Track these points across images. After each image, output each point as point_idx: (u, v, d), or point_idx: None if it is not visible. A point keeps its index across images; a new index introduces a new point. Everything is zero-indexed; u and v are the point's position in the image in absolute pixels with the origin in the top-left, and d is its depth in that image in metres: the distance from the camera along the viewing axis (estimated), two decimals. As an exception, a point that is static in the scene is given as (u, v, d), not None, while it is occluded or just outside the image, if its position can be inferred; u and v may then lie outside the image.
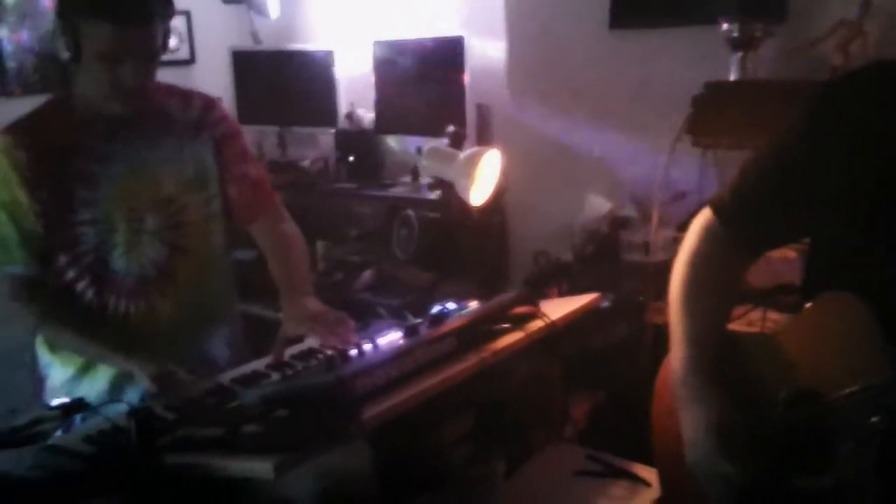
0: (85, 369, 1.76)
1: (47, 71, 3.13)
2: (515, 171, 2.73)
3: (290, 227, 1.95)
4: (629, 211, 2.74)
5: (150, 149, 1.74)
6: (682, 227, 1.76)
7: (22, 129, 1.67)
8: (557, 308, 1.68)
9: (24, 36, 3.08)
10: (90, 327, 1.71)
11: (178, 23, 3.62)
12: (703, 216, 1.34)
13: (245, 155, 1.91)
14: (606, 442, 1.76)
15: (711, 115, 2.28)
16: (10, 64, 3.04)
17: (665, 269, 1.42)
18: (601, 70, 2.84)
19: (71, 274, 1.71)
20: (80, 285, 1.72)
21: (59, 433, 1.32)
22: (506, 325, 1.56)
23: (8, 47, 3.04)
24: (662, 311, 1.77)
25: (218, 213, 1.86)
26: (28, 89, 3.05)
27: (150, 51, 1.62)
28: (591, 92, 2.86)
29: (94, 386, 1.75)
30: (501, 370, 1.54)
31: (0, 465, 1.10)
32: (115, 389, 1.74)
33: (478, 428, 1.54)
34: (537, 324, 1.58)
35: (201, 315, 1.85)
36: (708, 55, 2.45)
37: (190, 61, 3.70)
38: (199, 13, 3.69)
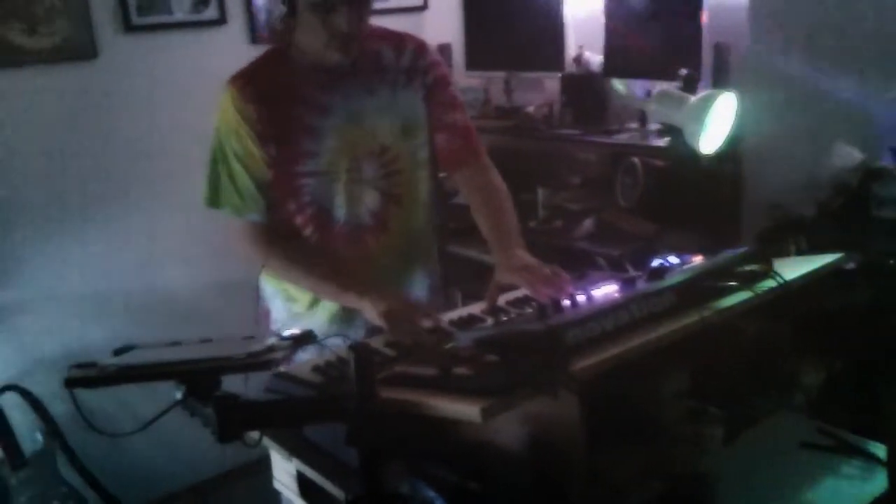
0: (311, 305, 1.87)
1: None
2: (753, 117, 2.54)
3: (496, 179, 1.94)
4: (885, 162, 2.47)
5: (366, 98, 1.77)
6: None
7: (248, 81, 1.73)
8: (793, 267, 1.54)
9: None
10: (316, 270, 1.80)
11: (411, -31, 3.69)
12: None
13: (454, 102, 1.91)
14: (839, 415, 1.62)
15: None
16: (261, 15, 3.26)
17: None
18: (855, 4, 2.54)
19: (297, 221, 1.81)
20: (305, 232, 1.82)
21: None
22: (732, 283, 1.46)
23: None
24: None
25: (427, 161, 1.88)
26: (274, 36, 3.25)
27: None
28: (842, 30, 2.58)
29: (316, 320, 1.86)
30: (725, 330, 1.45)
31: (234, 386, 1.20)
32: (337, 325, 1.84)
33: (695, 388, 1.47)
34: (768, 283, 1.47)
35: (408, 260, 1.90)
36: None
37: (423, 7, 3.77)
38: (431, -42, 3.74)
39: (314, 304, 1.86)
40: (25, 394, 2.67)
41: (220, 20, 3.17)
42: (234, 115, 1.72)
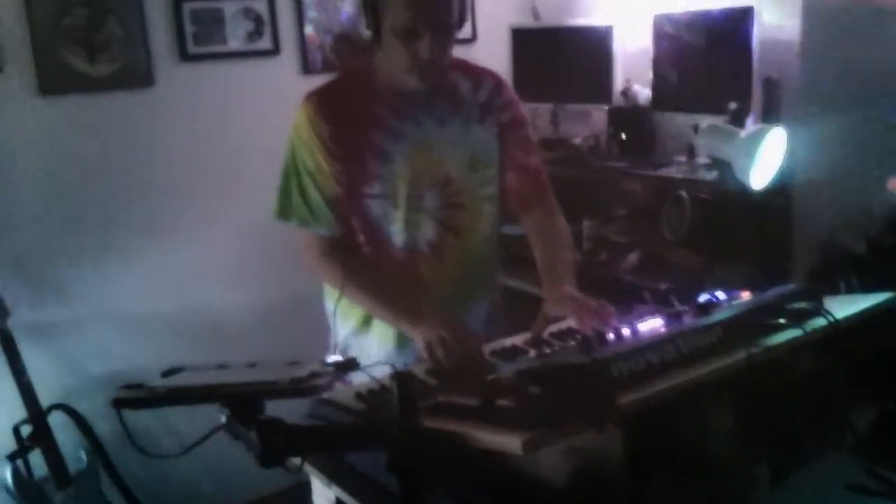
0: (364, 324, 1.88)
1: (342, 51, 3.38)
2: (804, 152, 2.51)
3: (561, 221, 1.95)
4: (941, 200, 2.42)
5: (437, 128, 1.79)
6: None
7: (325, 99, 1.77)
8: (844, 305, 1.51)
9: (326, 24, 3.34)
10: (375, 289, 1.81)
11: (461, 1, 3.73)
12: None
13: (528, 144, 1.92)
14: (889, 457, 1.57)
15: None
16: (313, 42, 3.32)
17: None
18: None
19: (358, 241, 1.83)
20: (364, 252, 1.83)
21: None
22: (781, 321, 1.44)
23: (312, 32, 3.32)
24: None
25: (493, 198, 1.89)
26: (326, 66, 3.32)
27: (446, 25, 1.65)
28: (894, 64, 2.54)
29: (372, 340, 1.87)
30: (773, 368, 1.42)
31: (278, 411, 1.21)
32: (399, 345, 1.84)
33: (742, 426, 1.44)
34: (818, 322, 1.44)
35: (463, 290, 1.90)
36: None
37: (471, 39, 3.81)
38: (481, -9, 3.78)
39: (366, 323, 1.88)
40: (72, 413, 2.71)
41: (274, 51, 3.24)
42: (307, 130, 1.75)
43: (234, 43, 3.16)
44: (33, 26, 2.75)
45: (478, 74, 1.87)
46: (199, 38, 3.08)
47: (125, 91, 2.95)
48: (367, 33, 1.71)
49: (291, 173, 1.80)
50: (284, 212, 1.83)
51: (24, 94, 2.78)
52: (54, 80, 2.81)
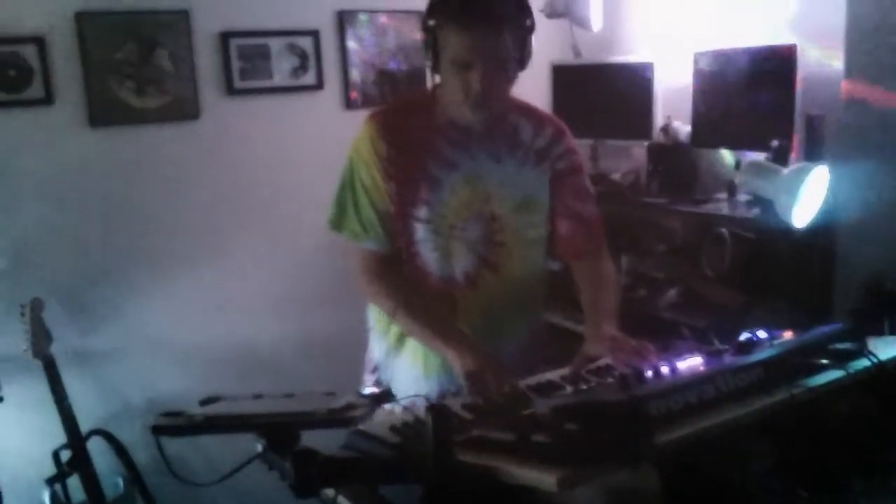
0: (397, 343, 1.89)
1: (384, 84, 3.43)
2: (847, 190, 2.48)
3: (609, 267, 1.96)
4: None
5: (490, 164, 1.82)
6: None
7: (386, 121, 1.83)
8: (888, 346, 1.48)
9: (369, 60, 3.41)
10: (416, 309, 1.82)
11: (502, 38, 3.77)
12: None
13: (583, 193, 1.93)
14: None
15: None
16: (355, 77, 3.38)
17: None
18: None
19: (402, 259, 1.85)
20: (405, 271, 1.85)
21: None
22: (824, 361, 1.41)
23: (354, 68, 3.38)
24: None
25: (538, 241, 1.89)
26: (367, 101, 3.37)
27: (499, 57, 1.68)
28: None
29: (403, 362, 1.87)
30: (815, 409, 1.39)
31: (314, 441, 1.21)
32: (427, 371, 1.85)
33: (783, 468, 1.41)
34: (862, 363, 1.42)
35: (495, 327, 1.90)
36: None
37: (511, 75, 3.84)
38: (522, 28, 3.81)
39: (400, 343, 1.89)
40: (111, 439, 2.75)
41: (318, 86, 3.30)
42: (367, 148, 1.80)
43: (279, 78, 3.22)
44: (85, 60, 2.84)
45: (540, 119, 1.90)
46: (246, 73, 3.15)
47: (172, 123, 3.02)
48: (428, 64, 1.76)
49: (347, 187, 1.85)
50: (338, 223, 1.87)
51: (74, 126, 2.86)
52: (104, 112, 2.89)
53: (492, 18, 1.65)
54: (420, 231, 1.81)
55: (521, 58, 1.73)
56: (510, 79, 1.75)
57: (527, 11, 1.72)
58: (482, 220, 1.82)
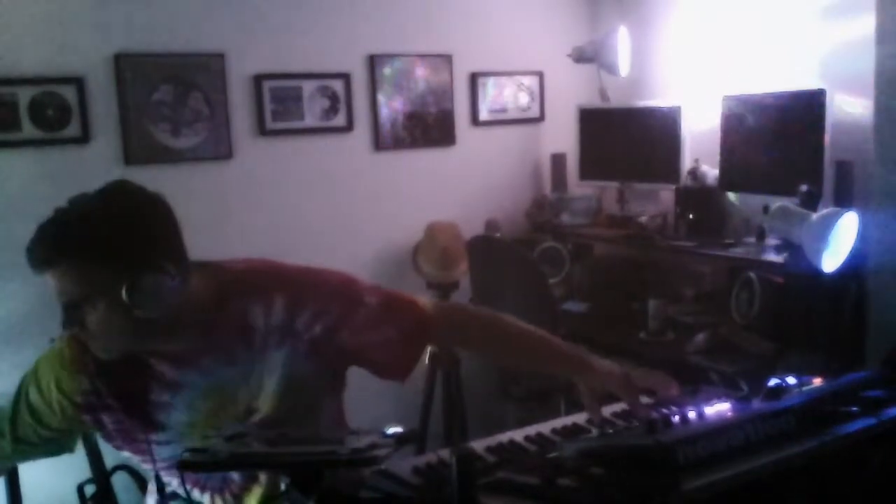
0: None
1: (414, 127, 3.48)
2: (877, 236, 2.46)
3: (483, 313, 1.79)
4: None
5: (222, 369, 1.58)
6: None
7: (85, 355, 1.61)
8: (921, 395, 1.45)
9: (398, 103, 3.48)
10: None
11: (530, 82, 3.82)
12: None
13: (375, 321, 1.61)
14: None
15: None
16: (385, 124, 3.44)
17: None
18: None
19: None
20: None
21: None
22: (855, 409, 1.39)
23: (384, 110, 3.44)
24: None
25: (320, 404, 1.68)
26: (397, 143, 3.41)
27: (71, 297, 1.50)
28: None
29: None
30: (847, 458, 1.37)
31: (336, 481, 1.21)
32: None
33: (815, 519, 1.38)
34: (894, 411, 1.39)
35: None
36: None
37: (539, 119, 3.87)
38: (550, 73, 3.86)
39: None
40: (135, 474, 2.75)
41: (348, 127, 3.35)
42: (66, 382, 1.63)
43: (310, 119, 3.28)
44: (122, 101, 2.92)
45: (266, 293, 1.59)
46: (278, 115, 3.21)
47: (205, 163, 3.08)
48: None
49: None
50: None
51: (110, 164, 2.92)
52: (139, 151, 2.95)
53: (41, 258, 1.46)
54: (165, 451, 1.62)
55: (127, 289, 1.46)
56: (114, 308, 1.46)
57: (91, 241, 1.48)
58: (240, 417, 1.58)
